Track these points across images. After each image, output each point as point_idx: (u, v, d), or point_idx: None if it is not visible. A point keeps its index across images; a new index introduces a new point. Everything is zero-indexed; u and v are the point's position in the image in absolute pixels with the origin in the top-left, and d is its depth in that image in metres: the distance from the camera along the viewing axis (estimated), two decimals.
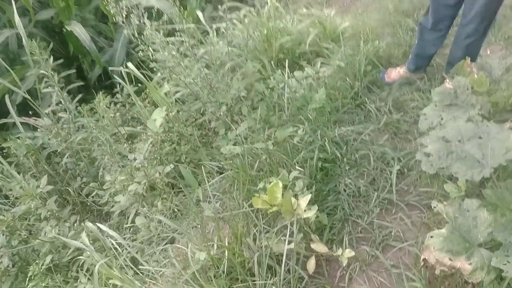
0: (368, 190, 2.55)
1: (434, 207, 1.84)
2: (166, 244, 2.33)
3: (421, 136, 3.00)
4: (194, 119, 3.07)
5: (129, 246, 2.15)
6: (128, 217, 2.73)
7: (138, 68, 3.54)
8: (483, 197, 2.14)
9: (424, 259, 1.94)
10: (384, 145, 2.81)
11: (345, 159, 2.67)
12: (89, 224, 2.08)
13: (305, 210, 2.04)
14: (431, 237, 1.67)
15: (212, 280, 1.92)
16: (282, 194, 1.99)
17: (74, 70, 4.11)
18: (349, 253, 1.99)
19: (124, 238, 2.53)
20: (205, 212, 2.24)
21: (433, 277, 2.04)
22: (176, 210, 2.53)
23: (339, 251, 2.02)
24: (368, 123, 2.98)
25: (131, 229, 2.70)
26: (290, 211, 1.99)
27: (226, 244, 1.99)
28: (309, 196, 2.04)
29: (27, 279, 2.62)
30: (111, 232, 2.19)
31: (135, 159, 2.44)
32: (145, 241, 2.55)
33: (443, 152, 1.92)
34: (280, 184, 1.97)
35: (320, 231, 2.36)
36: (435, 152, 1.93)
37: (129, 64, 3.06)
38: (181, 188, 2.75)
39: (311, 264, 2.06)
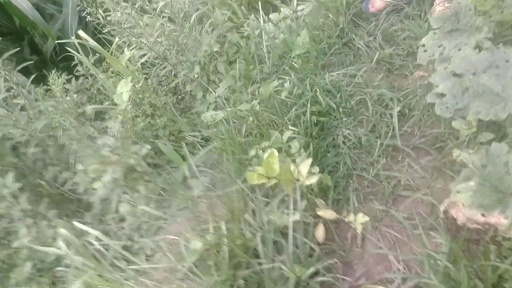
0: (369, 139, 2.32)
1: (457, 156, 1.62)
2: (156, 231, 2.10)
3: (417, 69, 2.74)
4: (165, 85, 2.73)
5: (115, 243, 1.91)
6: (113, 204, 2.46)
7: (96, 34, 3.12)
8: (504, 136, 1.93)
9: (445, 211, 1.75)
10: (380, 86, 2.54)
11: (340, 109, 2.40)
12: (62, 230, 1.81)
13: (307, 176, 1.79)
14: (458, 192, 1.45)
15: (213, 269, 1.71)
16: (280, 163, 1.74)
17: (18, 48, 3.61)
18: (362, 218, 1.78)
19: (108, 232, 2.29)
20: (193, 191, 1.99)
21: (453, 226, 1.87)
22: (161, 192, 2.27)
23: (351, 216, 1.81)
24: (359, 63, 2.69)
25: (117, 217, 2.45)
26: (291, 180, 1.74)
27: (224, 227, 1.76)
28: (309, 160, 1.80)
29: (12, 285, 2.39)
30: (92, 231, 1.94)
31: (105, 142, 2.13)
32: (134, 229, 2.32)
33: (458, 90, 1.66)
34: (276, 153, 1.71)
35: (324, 192, 2.14)
36: (448, 91, 1.67)
37: (81, 32, 2.65)
38: (164, 166, 2.47)
39: (320, 232, 1.86)
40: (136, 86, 2.33)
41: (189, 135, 2.41)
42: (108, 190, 2.35)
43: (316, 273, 1.84)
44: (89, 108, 2.68)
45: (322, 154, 2.25)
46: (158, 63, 2.74)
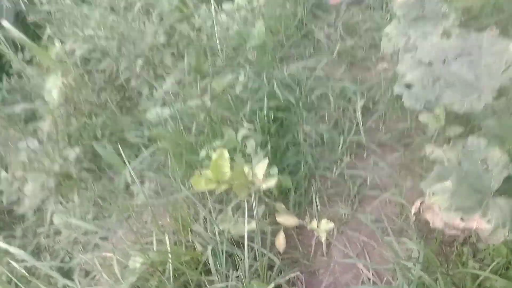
0: (332, 135, 2.13)
1: (430, 153, 1.45)
2: (95, 246, 1.81)
3: (380, 61, 2.59)
4: (105, 81, 2.43)
5: (43, 264, 1.60)
6: (47, 216, 2.14)
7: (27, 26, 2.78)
8: (473, 129, 1.80)
9: (416, 213, 1.58)
10: (343, 79, 2.37)
11: (300, 103, 2.20)
12: None
13: (263, 179, 1.57)
14: (433, 194, 1.28)
15: None
16: (231, 166, 1.51)
17: None
18: (326, 224, 1.58)
19: (42, 247, 1.97)
20: (136, 199, 1.72)
21: (424, 228, 1.70)
22: (99, 201, 1.98)
23: (314, 223, 1.60)
24: (319, 56, 2.51)
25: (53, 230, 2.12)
26: (245, 185, 1.51)
27: (168, 241, 1.50)
28: (266, 161, 1.58)
29: None
30: (13, 250, 1.63)
31: (28, 146, 1.82)
32: (71, 243, 2.01)
33: (427, 80, 1.49)
34: (226, 154, 1.47)
35: (285, 195, 1.93)
36: (417, 81, 1.50)
37: (4, 22, 2.30)
38: (105, 170, 2.18)
39: (281, 241, 1.64)
40: (66, 81, 2.02)
41: (134, 136, 2.13)
42: (38, 200, 2.03)
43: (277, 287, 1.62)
44: (19, 108, 2.34)
45: (282, 153, 2.04)
46: (97, 58, 2.43)
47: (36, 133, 2.24)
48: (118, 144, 2.02)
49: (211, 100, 2.18)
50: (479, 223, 1.17)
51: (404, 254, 1.65)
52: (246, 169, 1.56)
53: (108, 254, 1.56)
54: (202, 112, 2.10)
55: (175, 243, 1.61)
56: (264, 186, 1.55)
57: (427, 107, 1.47)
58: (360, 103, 2.21)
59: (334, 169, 2.01)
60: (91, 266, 1.78)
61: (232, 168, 1.50)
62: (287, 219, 1.61)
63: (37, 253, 2.05)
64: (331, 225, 1.57)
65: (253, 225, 1.55)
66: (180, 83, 2.36)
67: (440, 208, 1.25)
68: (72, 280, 1.60)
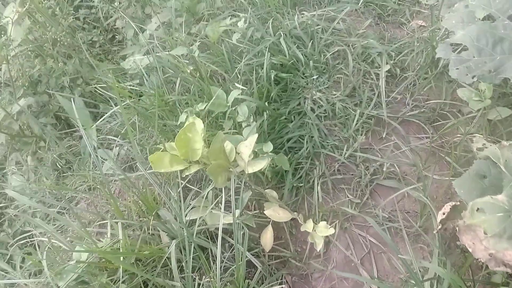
0: (347, 106, 1.73)
1: (478, 148, 1.06)
2: (51, 221, 1.50)
3: (416, 17, 2.12)
4: (85, 18, 2.01)
5: None
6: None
7: None
8: None
9: (443, 220, 1.23)
10: (367, 36, 1.92)
11: (311, 63, 1.78)
12: None
13: (249, 160, 1.21)
14: (477, 209, 0.90)
15: None
16: (207, 140, 1.14)
17: None
18: (325, 229, 1.23)
19: None
20: (101, 170, 1.38)
21: (450, 242, 1.35)
22: (60, 164, 1.65)
23: (309, 225, 1.25)
24: (342, 3, 2.03)
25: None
26: (224, 168, 1.15)
27: (120, 229, 1.18)
28: (254, 137, 1.20)
29: None
30: None
31: None
32: (28, 212, 1.71)
33: (486, 41, 1.06)
34: (199, 125, 1.10)
35: (280, 177, 1.58)
36: (470, 42, 1.07)
37: None
38: (73, 127, 1.84)
39: (267, 238, 1.31)
40: (21, 10, 1.61)
41: (101, 87, 1.74)
42: None
43: None
44: None
45: (282, 124, 1.66)
46: None
47: None
48: (96, 96, 1.66)
49: (201, 50, 1.78)
50: None
51: (420, 266, 1.32)
52: (229, 146, 1.19)
53: (42, 239, 1.24)
54: (189, 64, 1.71)
55: (135, 230, 1.29)
56: (250, 170, 1.19)
57: (482, 79, 1.06)
58: (385, 68, 1.79)
59: (345, 149, 1.63)
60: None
61: (207, 143, 1.14)
62: (277, 213, 1.26)
63: None
64: (330, 231, 1.22)
65: (229, 219, 1.21)
66: (169, 27, 1.94)
67: (485, 233, 0.89)
68: (13, 263, 1.30)
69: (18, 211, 1.52)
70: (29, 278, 1.23)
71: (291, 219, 1.43)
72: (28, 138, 1.66)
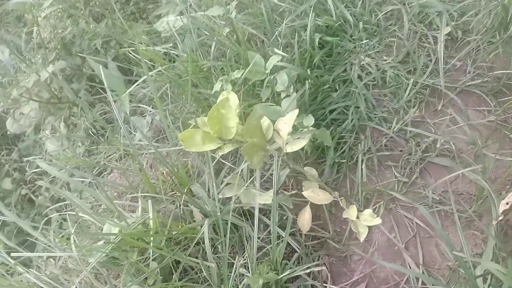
0: (399, 73, 1.56)
1: None
2: (80, 193, 1.49)
3: None
4: None
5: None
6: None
7: None
8: None
9: (505, 211, 1.09)
10: None
11: (360, 24, 1.60)
12: None
13: (288, 138, 1.10)
14: None
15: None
16: (242, 117, 1.04)
17: None
18: (370, 218, 1.12)
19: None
20: (130, 142, 1.32)
21: (509, 229, 1.21)
22: (93, 131, 1.61)
23: (352, 211, 1.14)
24: None
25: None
26: (261, 146, 1.06)
27: (150, 207, 1.13)
28: (294, 114, 1.09)
29: None
30: None
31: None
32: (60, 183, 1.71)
33: None
34: (234, 101, 1.00)
35: (321, 152, 1.46)
36: None
37: None
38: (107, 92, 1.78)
39: (305, 220, 1.22)
40: None
41: (136, 51, 1.66)
42: (28, 122, 1.71)
43: (295, 277, 1.25)
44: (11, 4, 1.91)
45: (325, 93, 1.52)
46: None
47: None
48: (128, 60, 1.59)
49: (239, 10, 1.63)
50: None
51: (472, 251, 1.20)
52: (266, 123, 1.09)
53: (72, 213, 1.22)
54: (226, 25, 1.58)
55: (167, 206, 1.24)
56: (289, 149, 1.08)
57: None
58: (445, 30, 1.58)
59: (394, 122, 1.48)
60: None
61: (243, 118, 1.04)
62: (316, 194, 1.17)
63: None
64: (376, 220, 1.12)
65: (267, 199, 1.12)
66: None
67: None
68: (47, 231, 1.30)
69: (50, 181, 1.51)
70: (61, 252, 1.22)
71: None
72: (61, 104, 1.62)
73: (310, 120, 1.29)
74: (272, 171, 1.16)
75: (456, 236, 1.31)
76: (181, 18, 1.64)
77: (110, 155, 1.52)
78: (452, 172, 1.34)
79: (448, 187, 1.39)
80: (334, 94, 1.52)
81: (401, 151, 1.46)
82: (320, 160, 1.46)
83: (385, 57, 1.61)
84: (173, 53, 1.49)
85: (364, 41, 1.60)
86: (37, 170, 1.68)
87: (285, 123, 1.09)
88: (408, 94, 1.52)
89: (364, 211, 1.14)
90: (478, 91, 1.51)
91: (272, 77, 1.39)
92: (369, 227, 1.34)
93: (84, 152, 1.57)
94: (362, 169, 1.43)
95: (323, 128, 1.31)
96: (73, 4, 1.73)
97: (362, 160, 1.44)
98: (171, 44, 1.57)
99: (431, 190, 1.39)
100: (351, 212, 1.15)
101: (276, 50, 1.38)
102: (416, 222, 1.38)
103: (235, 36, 1.53)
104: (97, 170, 1.48)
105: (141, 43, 1.65)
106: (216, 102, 1.27)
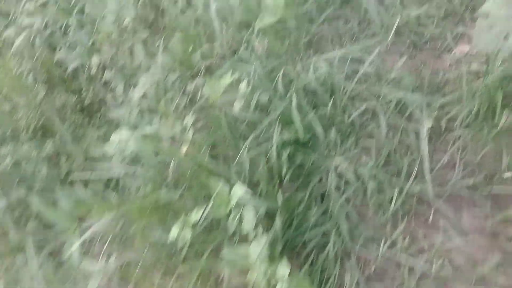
0: (381, 180, 1.39)
1: None
2: None
3: (460, 41, 1.70)
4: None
5: None
6: None
7: None
8: None
9: None
10: (401, 78, 1.54)
11: (333, 128, 1.44)
12: None
13: None
14: None
15: None
16: None
17: None
18: None
19: None
20: None
21: None
22: None
23: None
24: (368, 37, 1.65)
25: None
26: None
27: None
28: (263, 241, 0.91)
29: None
30: None
31: None
32: None
33: None
34: None
35: None
36: None
37: None
38: None
39: None
40: None
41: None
42: None
43: None
44: None
45: (301, 215, 1.34)
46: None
47: None
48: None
49: (198, 118, 1.47)
50: None
51: None
52: None
53: None
54: (183, 144, 1.40)
55: None
56: None
57: None
58: (427, 125, 1.42)
59: (382, 243, 1.30)
60: None
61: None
62: None
63: None
64: None
65: None
66: (159, 85, 1.63)
67: None
68: None
69: None
70: None
71: None
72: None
73: (285, 269, 1.11)
74: None
75: None
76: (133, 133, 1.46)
77: None
78: None
79: None
80: (310, 214, 1.34)
81: (392, 279, 1.28)
82: None
83: (364, 159, 1.44)
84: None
85: (338, 145, 1.44)
86: None
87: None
88: (394, 204, 1.35)
89: None
90: (473, 196, 1.34)
91: (238, 212, 1.22)
92: None
93: None
94: None
95: (301, 278, 1.13)
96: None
97: None
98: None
99: None
100: None
101: (239, 185, 1.21)
102: None
103: (194, 159, 1.36)
104: None
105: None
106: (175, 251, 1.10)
